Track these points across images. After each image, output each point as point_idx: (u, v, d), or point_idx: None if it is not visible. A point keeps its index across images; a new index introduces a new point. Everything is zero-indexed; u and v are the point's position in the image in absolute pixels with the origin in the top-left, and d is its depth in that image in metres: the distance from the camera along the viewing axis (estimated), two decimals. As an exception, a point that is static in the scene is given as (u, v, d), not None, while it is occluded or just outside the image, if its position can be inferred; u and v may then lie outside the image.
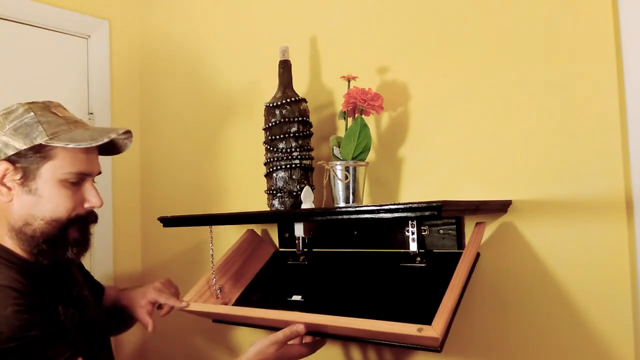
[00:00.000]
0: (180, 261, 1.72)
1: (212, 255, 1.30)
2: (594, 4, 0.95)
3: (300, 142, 1.20)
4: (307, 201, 1.14)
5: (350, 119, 1.14)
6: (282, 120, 1.20)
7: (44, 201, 0.98)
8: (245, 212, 1.22)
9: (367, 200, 1.24)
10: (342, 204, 1.12)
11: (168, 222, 1.23)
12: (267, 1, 1.50)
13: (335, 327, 0.97)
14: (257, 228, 1.45)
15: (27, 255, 1.01)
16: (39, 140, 0.97)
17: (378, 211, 0.88)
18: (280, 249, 1.40)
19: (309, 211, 1.08)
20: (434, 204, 0.80)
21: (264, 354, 0.98)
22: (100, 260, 1.77)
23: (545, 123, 1.00)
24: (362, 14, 1.28)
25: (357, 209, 0.91)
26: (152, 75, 1.88)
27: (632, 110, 0.92)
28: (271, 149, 1.22)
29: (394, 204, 0.86)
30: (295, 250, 1.31)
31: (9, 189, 0.99)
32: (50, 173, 0.98)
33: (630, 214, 0.92)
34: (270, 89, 1.29)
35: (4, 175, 0.98)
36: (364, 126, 1.11)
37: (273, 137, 1.21)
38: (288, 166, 1.19)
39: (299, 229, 1.25)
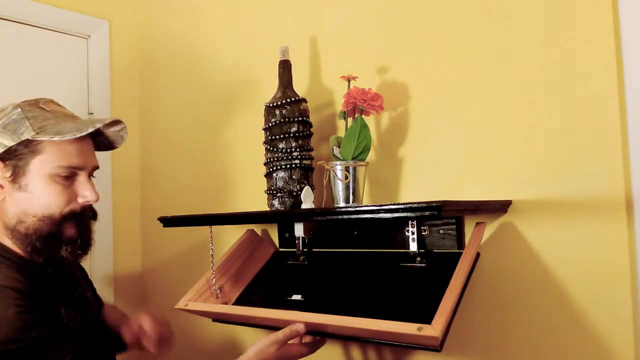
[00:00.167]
0: (180, 261, 1.71)
1: (212, 255, 1.30)
2: (594, 4, 0.95)
3: (300, 142, 1.20)
4: (307, 201, 1.14)
5: (350, 119, 1.14)
6: (282, 120, 1.20)
7: (35, 197, 0.96)
8: (245, 212, 1.22)
9: (367, 200, 1.24)
10: (342, 204, 1.12)
11: (168, 222, 1.23)
12: (267, 1, 1.50)
13: (335, 327, 0.97)
14: (257, 228, 1.45)
15: (25, 254, 0.99)
16: (26, 136, 0.95)
17: (378, 211, 0.88)
18: (280, 249, 1.40)
19: (309, 211, 1.08)
20: (434, 204, 0.81)
21: (264, 353, 0.98)
22: (100, 260, 1.77)
23: (545, 123, 1.00)
24: (362, 14, 1.28)
25: (357, 209, 0.91)
26: (152, 75, 1.88)
27: (632, 110, 0.92)
28: (271, 149, 1.22)
29: (394, 204, 0.86)
30: (295, 250, 1.31)
31: (1, 187, 0.98)
32: (39, 168, 0.96)
33: (630, 214, 0.92)
34: (270, 89, 1.29)
35: None
36: (364, 126, 1.11)
37: (273, 137, 1.21)
38: (288, 166, 1.19)
39: (299, 229, 1.26)
